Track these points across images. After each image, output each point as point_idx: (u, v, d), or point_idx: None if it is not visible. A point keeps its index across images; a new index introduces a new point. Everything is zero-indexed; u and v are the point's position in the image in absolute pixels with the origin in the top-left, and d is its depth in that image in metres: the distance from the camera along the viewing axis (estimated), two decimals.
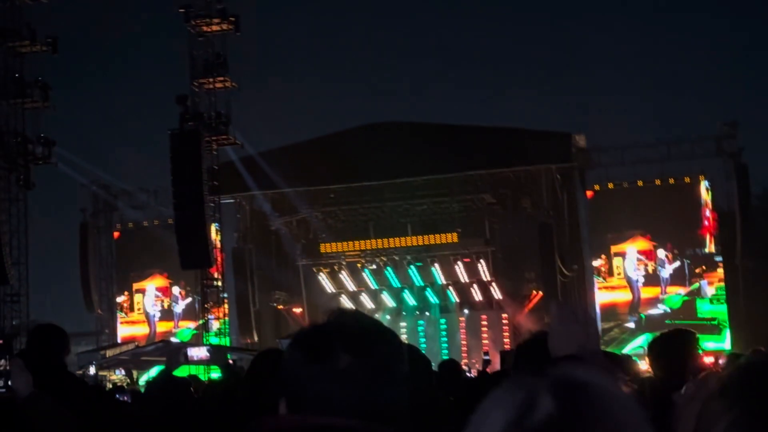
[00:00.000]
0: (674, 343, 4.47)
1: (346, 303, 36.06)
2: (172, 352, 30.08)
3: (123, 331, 37.31)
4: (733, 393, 1.49)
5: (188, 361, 27.67)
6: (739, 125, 32.78)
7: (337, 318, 1.88)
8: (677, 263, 33.23)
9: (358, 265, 34.70)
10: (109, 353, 31.93)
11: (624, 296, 33.99)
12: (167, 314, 37.38)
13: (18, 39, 27.87)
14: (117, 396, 8.79)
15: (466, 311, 35.33)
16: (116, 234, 38.14)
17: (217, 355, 27.43)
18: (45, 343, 4.97)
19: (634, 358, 9.00)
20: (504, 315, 34.27)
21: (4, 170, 26.93)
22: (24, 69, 28.26)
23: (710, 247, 33.04)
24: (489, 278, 33.99)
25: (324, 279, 35.21)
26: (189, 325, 36.57)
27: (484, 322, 34.76)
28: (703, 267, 33.08)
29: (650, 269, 33.63)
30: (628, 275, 33.90)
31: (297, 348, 1.83)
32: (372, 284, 35.36)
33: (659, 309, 33.27)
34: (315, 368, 1.78)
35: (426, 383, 3.96)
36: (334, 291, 35.61)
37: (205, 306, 32.34)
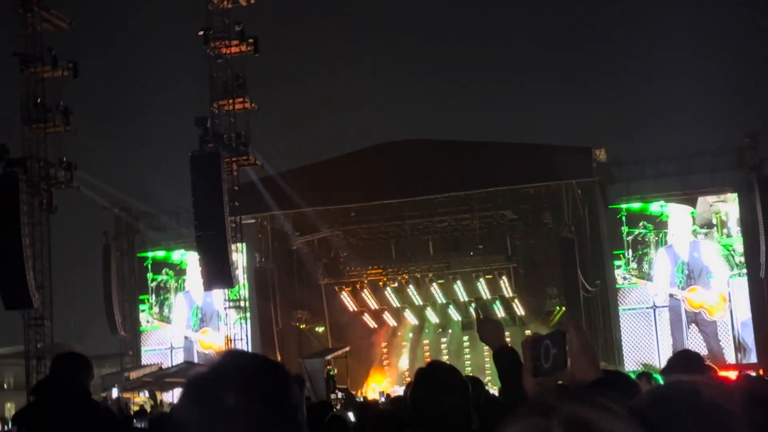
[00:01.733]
0: None
1: (369, 321, 36.05)
2: None
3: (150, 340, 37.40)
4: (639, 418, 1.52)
5: None
6: (760, 136, 32.56)
7: (221, 360, 1.91)
8: None
9: (380, 283, 34.68)
10: (132, 375, 32.03)
11: None
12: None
13: (39, 64, 28.15)
14: (135, 421, 8.81)
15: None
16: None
17: None
18: (69, 373, 4.99)
19: (655, 375, 8.86)
20: (527, 332, 34.12)
21: (27, 195, 27.12)
22: (45, 94, 28.51)
23: None
24: (511, 294, 33.88)
25: (346, 297, 35.21)
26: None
27: (507, 339, 34.58)
28: None
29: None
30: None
31: (186, 396, 1.88)
32: (394, 302, 35.32)
33: None
34: (204, 412, 1.82)
35: (463, 408, 3.95)
36: (356, 309, 35.60)
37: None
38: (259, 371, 1.90)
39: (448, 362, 4.69)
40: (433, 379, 4.04)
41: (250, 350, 32.80)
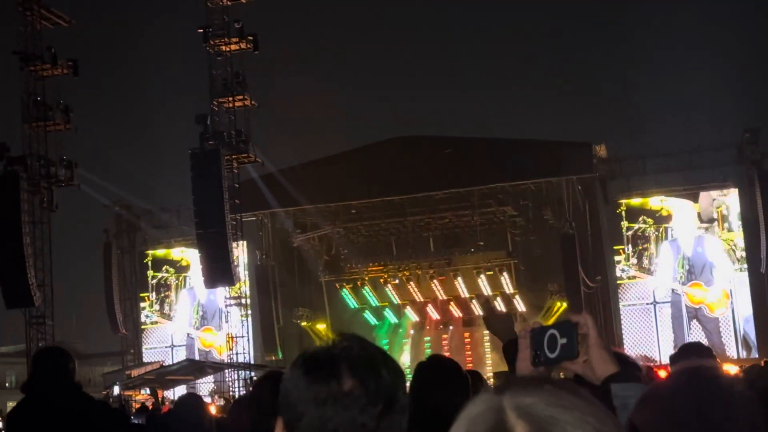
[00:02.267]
0: None
1: (370, 318, 36.08)
2: (196, 371, 30.19)
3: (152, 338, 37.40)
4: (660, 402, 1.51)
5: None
6: (760, 131, 32.55)
7: (342, 342, 1.87)
8: None
9: (381, 280, 34.68)
10: (134, 373, 32.06)
11: None
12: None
13: (39, 63, 28.14)
14: (133, 418, 8.83)
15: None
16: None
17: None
18: (50, 366, 4.98)
19: None
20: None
21: (27, 193, 27.12)
22: (46, 92, 28.51)
23: None
24: (512, 291, 33.88)
25: (347, 295, 35.22)
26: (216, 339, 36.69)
27: None
28: None
29: None
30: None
31: (300, 369, 1.83)
32: (395, 299, 35.33)
33: None
34: (317, 390, 1.78)
35: (461, 401, 3.94)
36: (357, 306, 35.62)
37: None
38: (379, 362, 1.85)
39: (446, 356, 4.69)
40: (433, 373, 4.04)
41: (251, 347, 32.86)
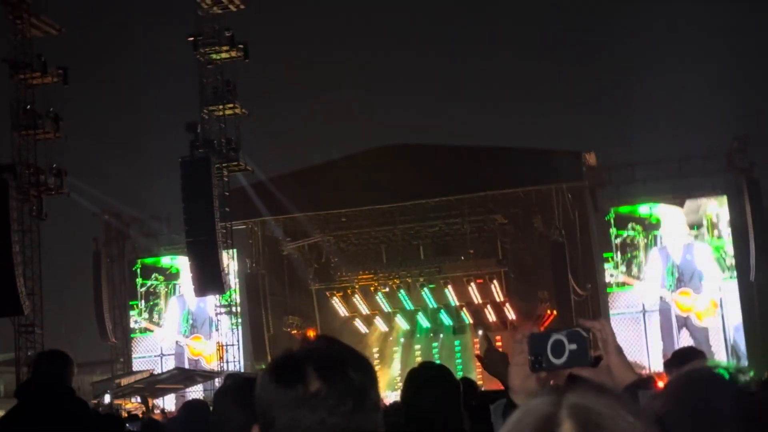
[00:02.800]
0: None
1: (361, 326, 36.06)
2: (186, 380, 30.10)
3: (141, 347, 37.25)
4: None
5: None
6: (749, 139, 32.67)
7: (310, 344, 1.89)
8: None
9: (371, 288, 34.67)
10: (123, 382, 31.97)
11: None
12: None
13: (29, 71, 28.10)
14: (128, 425, 8.82)
15: (480, 332, 35.24)
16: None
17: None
18: (52, 368, 4.99)
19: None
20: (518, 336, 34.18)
21: (17, 201, 27.06)
22: (35, 100, 28.47)
23: None
24: (502, 299, 33.91)
25: (337, 303, 35.20)
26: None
27: (499, 343, 34.68)
28: None
29: None
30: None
31: (269, 374, 1.86)
32: (385, 307, 35.33)
33: None
34: (286, 393, 1.80)
35: (453, 406, 3.95)
36: (347, 315, 35.59)
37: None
38: (347, 362, 1.89)
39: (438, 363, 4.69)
40: (423, 379, 4.06)
41: (241, 355, 32.79)
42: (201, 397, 32.69)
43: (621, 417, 1.22)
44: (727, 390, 1.82)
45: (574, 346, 2.08)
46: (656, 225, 33.27)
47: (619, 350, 2.14)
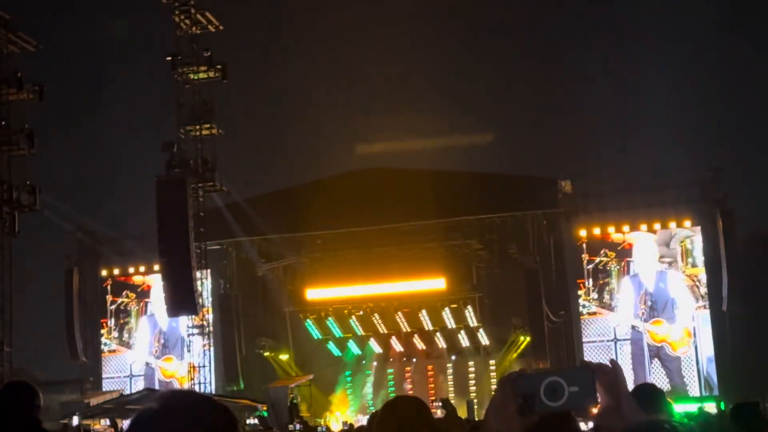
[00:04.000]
0: None
1: (334, 349, 35.93)
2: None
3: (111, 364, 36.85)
4: None
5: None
6: (723, 170, 32.91)
7: (169, 399, 1.93)
8: None
9: (345, 311, 34.58)
10: (93, 401, 31.63)
11: None
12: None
13: (5, 86, 27.92)
14: None
15: (453, 357, 35.22)
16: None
17: None
18: (16, 402, 4.93)
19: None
20: (492, 361, 34.18)
21: None
22: (10, 117, 28.26)
23: None
24: (476, 324, 33.92)
25: (311, 325, 35.07)
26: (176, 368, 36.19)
27: (472, 369, 34.67)
28: None
29: None
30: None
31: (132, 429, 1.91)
32: (358, 331, 35.23)
33: None
34: None
35: None
36: (320, 337, 35.47)
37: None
38: (208, 413, 1.88)
39: (412, 394, 4.68)
40: (397, 418, 4.01)
41: (213, 377, 32.54)
42: None
43: None
44: None
45: (575, 388, 2.02)
46: (629, 252, 33.00)
47: (628, 392, 2.08)
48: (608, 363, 2.07)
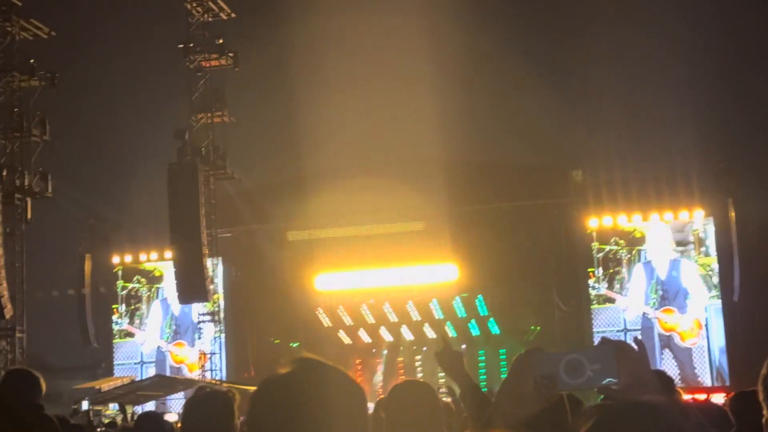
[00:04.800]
0: None
1: (344, 337, 35.98)
2: (167, 387, 29.94)
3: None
4: None
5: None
6: (736, 160, 32.79)
7: (301, 366, 2.04)
8: None
9: (356, 300, 34.62)
10: (104, 387, 31.78)
11: None
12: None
13: (17, 74, 28.02)
14: None
15: (463, 346, 35.21)
16: None
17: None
18: (18, 389, 4.99)
19: None
20: (502, 351, 34.20)
21: (2, 205, 26.95)
22: (23, 104, 28.37)
23: None
24: (487, 313, 33.91)
25: (321, 314, 35.11)
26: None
27: (482, 358, 34.68)
28: None
29: None
30: None
31: (261, 395, 2.02)
32: (370, 319, 35.26)
33: None
34: (279, 416, 1.93)
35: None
36: (330, 325, 35.52)
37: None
38: (340, 384, 1.93)
39: (422, 380, 4.69)
40: (406, 398, 4.05)
41: (224, 364, 32.66)
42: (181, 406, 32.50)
43: None
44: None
45: (596, 366, 2.01)
46: (640, 240, 32.57)
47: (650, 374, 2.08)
48: (632, 342, 2.06)
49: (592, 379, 2.00)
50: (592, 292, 32.57)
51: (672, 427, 1.85)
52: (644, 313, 32.28)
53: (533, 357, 2.05)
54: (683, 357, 31.79)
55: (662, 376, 5.56)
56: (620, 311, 32.52)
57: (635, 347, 2.05)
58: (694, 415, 1.98)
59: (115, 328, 37.03)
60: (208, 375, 31.98)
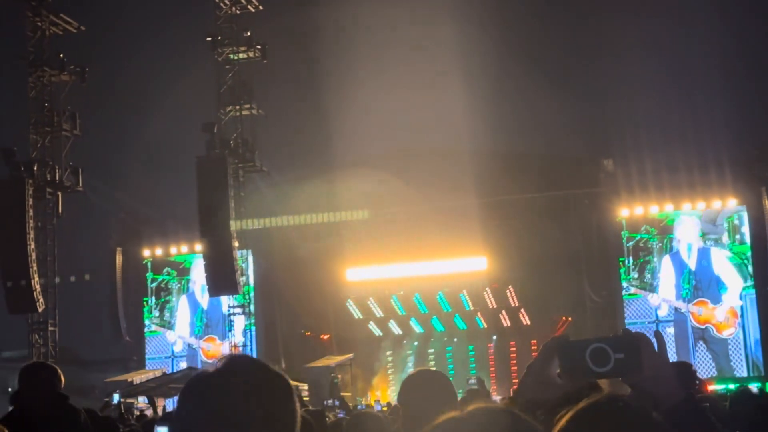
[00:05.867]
0: None
1: (375, 329, 35.97)
2: None
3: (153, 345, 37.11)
4: None
5: None
6: None
7: (226, 364, 2.03)
8: None
9: (386, 291, 34.60)
10: (136, 380, 31.96)
11: None
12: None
13: (48, 69, 28.19)
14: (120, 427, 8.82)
15: (494, 337, 35.12)
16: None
17: None
18: (38, 381, 5.03)
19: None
20: (533, 341, 34.01)
21: (34, 199, 27.13)
22: (53, 98, 28.54)
23: None
24: (517, 304, 33.77)
25: (351, 305, 35.12)
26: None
27: (513, 349, 34.54)
28: None
29: None
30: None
31: (187, 394, 1.99)
32: (399, 311, 35.24)
33: None
34: (206, 414, 1.92)
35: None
36: (361, 317, 35.53)
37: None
38: (263, 378, 1.95)
39: (453, 371, 4.66)
40: (419, 387, 4.08)
41: (255, 357, 32.83)
42: None
43: None
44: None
45: (621, 355, 2.00)
46: (670, 228, 31.95)
47: (669, 365, 2.08)
48: (652, 335, 2.08)
49: (615, 368, 2.01)
50: (623, 290, 32.00)
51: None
52: (676, 308, 31.62)
53: (559, 344, 2.05)
54: (718, 349, 31.04)
55: (684, 368, 5.45)
56: (651, 303, 32.00)
57: (654, 340, 2.05)
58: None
59: (146, 328, 36.99)
60: None
